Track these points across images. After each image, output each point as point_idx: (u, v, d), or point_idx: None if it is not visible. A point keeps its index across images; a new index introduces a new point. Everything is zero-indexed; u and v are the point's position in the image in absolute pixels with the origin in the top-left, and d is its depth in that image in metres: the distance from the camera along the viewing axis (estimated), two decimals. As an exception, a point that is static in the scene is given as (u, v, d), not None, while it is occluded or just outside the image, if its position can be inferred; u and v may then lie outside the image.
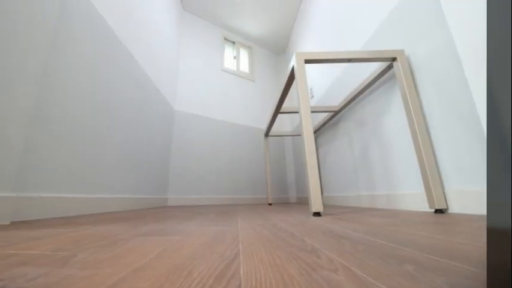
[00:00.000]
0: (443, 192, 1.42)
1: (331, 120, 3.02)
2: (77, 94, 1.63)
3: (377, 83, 2.09)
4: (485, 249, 0.50)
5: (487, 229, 0.26)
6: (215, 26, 5.17)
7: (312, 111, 2.75)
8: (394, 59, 1.70)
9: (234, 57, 5.37)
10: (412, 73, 1.67)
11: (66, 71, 1.53)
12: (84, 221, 1.21)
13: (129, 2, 2.47)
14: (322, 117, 3.36)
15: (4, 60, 1.08)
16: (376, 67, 2.11)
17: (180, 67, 4.40)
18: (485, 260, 0.42)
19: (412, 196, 1.69)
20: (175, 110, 4.10)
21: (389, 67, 1.81)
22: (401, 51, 1.68)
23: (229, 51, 5.37)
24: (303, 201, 4.40)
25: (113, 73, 2.09)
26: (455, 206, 1.35)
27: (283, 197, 4.96)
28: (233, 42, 5.47)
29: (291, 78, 2.00)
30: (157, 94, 3.25)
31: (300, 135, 4.07)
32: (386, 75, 1.97)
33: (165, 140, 3.58)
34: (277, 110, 2.76)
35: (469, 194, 1.29)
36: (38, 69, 1.26)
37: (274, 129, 5.37)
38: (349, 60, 1.73)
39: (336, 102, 2.92)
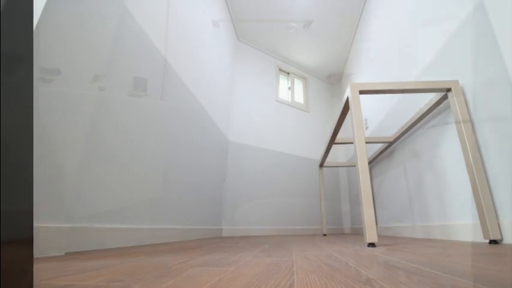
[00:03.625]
0: (498, 223, 1.37)
1: (386, 150, 2.97)
2: (130, 124, 1.63)
3: (431, 113, 2.06)
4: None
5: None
6: (270, 57, 5.20)
7: (367, 142, 2.74)
8: (448, 90, 1.69)
9: (289, 88, 5.40)
10: (466, 104, 1.65)
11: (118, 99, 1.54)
12: (140, 251, 1.23)
13: (185, 35, 2.49)
14: (377, 147, 3.31)
15: (66, 85, 1.14)
16: (430, 98, 2.10)
17: (234, 97, 4.45)
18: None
19: (466, 227, 1.63)
20: (230, 141, 4.12)
21: (444, 98, 1.79)
22: (456, 82, 1.67)
23: (283, 82, 5.40)
24: (357, 232, 4.24)
25: (168, 102, 2.09)
26: (510, 237, 1.31)
27: (338, 227, 4.81)
28: (288, 73, 5.50)
29: (346, 109, 2.01)
30: (212, 125, 3.26)
31: (354, 165, 4.02)
32: (441, 106, 1.94)
33: (219, 171, 3.57)
34: (332, 141, 2.80)
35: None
36: (94, 96, 1.28)
37: (329, 159, 5.31)
38: (403, 91, 1.76)
39: (390, 132, 2.89)
